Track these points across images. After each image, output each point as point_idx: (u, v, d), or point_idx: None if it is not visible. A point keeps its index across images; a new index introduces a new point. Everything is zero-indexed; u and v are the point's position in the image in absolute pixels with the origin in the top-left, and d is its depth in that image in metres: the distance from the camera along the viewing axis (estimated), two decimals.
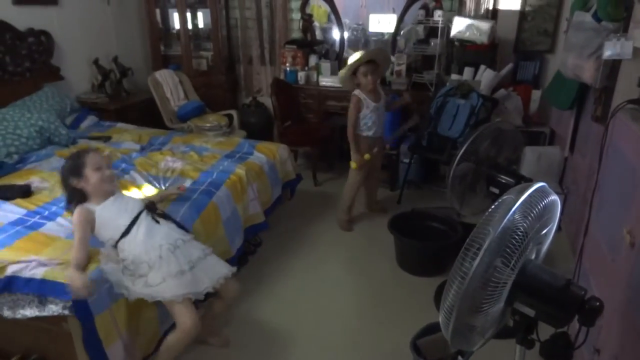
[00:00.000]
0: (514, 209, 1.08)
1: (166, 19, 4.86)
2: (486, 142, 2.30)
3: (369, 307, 2.60)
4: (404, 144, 3.88)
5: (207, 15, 4.62)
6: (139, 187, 2.65)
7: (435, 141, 3.55)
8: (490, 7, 3.88)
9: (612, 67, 2.28)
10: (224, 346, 2.27)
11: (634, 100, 1.82)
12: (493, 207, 1.14)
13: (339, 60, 4.45)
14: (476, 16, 3.90)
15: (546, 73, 3.84)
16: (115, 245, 1.96)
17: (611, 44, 2.02)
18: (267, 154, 3.24)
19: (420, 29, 4.02)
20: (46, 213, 2.32)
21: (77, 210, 1.93)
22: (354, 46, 4.55)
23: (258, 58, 4.73)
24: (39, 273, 1.83)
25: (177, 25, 4.67)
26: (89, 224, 1.93)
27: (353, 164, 3.20)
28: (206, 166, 2.94)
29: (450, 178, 2.27)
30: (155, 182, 2.71)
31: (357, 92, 3.14)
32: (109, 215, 1.96)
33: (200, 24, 4.82)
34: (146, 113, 4.20)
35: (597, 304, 1.10)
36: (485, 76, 3.64)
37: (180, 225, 2.16)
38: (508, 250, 1.08)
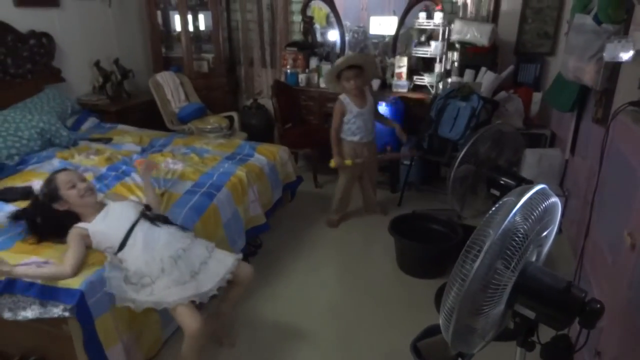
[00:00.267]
0: (514, 211, 1.08)
1: (167, 21, 4.87)
2: (487, 144, 2.30)
3: (369, 309, 2.60)
4: (404, 146, 3.88)
5: (208, 18, 4.64)
6: (140, 189, 2.65)
7: (436, 143, 3.55)
8: (491, 10, 3.89)
9: (613, 70, 2.28)
10: (232, 346, 2.28)
11: (634, 102, 1.82)
12: (493, 209, 1.14)
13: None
14: (477, 19, 3.91)
15: (547, 75, 3.84)
16: (115, 255, 1.96)
17: (612, 46, 2.02)
18: (267, 155, 3.24)
19: (421, 31, 4.03)
20: None
21: (72, 230, 1.94)
22: (355, 48, 4.55)
23: (259, 60, 4.74)
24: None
25: (178, 27, 4.69)
26: (84, 240, 1.93)
27: (332, 162, 3.22)
28: (207, 168, 2.94)
29: (450, 180, 2.27)
30: (155, 184, 2.71)
31: (342, 96, 3.15)
32: (102, 230, 1.95)
33: (202, 26, 4.83)
34: (147, 115, 4.21)
35: (598, 306, 1.10)
36: (486, 78, 3.64)
37: (180, 227, 2.15)
38: (509, 252, 1.08)
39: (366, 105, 3.17)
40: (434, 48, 3.93)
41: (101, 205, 2.09)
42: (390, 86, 4.12)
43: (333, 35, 4.56)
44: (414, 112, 3.99)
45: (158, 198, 2.38)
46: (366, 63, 3.14)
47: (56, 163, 2.95)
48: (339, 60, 3.12)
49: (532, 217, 1.10)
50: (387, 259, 3.01)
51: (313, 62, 4.37)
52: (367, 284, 2.83)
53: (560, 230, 3.15)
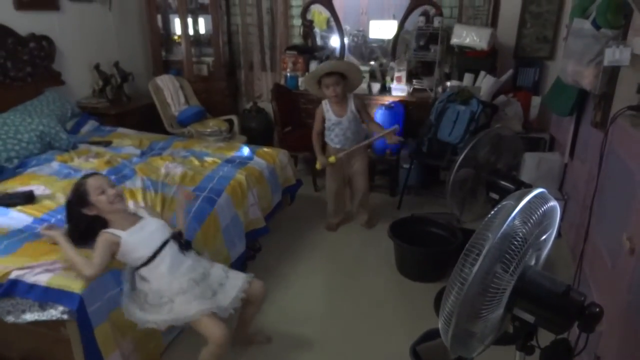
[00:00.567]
0: (513, 214, 1.08)
1: (167, 24, 4.88)
2: (486, 148, 2.31)
3: (368, 312, 2.59)
4: (404, 149, 3.89)
5: (208, 21, 4.65)
6: (142, 192, 2.65)
7: (435, 147, 3.56)
8: (490, 14, 3.90)
9: (612, 74, 2.29)
10: (269, 342, 2.33)
11: (633, 106, 1.83)
12: (492, 212, 1.14)
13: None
14: (476, 23, 3.92)
15: (546, 79, 3.86)
16: (136, 270, 1.95)
17: (611, 50, 2.03)
18: (267, 159, 3.24)
19: (420, 35, 4.04)
20: (53, 220, 2.31)
21: (102, 235, 1.91)
22: (355, 52, 4.56)
23: (259, 64, 4.75)
24: (43, 280, 1.81)
25: (178, 30, 4.70)
26: (112, 248, 1.90)
27: (317, 164, 3.20)
28: (207, 171, 2.93)
29: (450, 184, 2.28)
30: (155, 188, 2.71)
31: (324, 101, 3.11)
32: (135, 242, 1.93)
33: (202, 30, 4.84)
34: (147, 118, 4.21)
35: (597, 310, 1.10)
36: (485, 82, 3.65)
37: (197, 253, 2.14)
38: (507, 256, 1.08)
39: (345, 114, 3.07)
40: (433, 52, 3.93)
41: (132, 214, 2.06)
42: (389, 90, 4.13)
43: (333, 39, 4.57)
44: (414, 116, 4.00)
45: (186, 225, 2.33)
46: (349, 71, 3.03)
47: (55, 166, 2.95)
48: (320, 66, 3.06)
49: (531, 220, 1.10)
50: (386, 262, 3.01)
51: (313, 66, 4.38)
52: (366, 287, 2.82)
53: (559, 234, 3.15)
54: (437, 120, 3.51)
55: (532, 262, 1.20)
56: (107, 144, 3.44)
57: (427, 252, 2.85)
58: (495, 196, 2.20)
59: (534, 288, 1.14)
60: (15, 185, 2.65)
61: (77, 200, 1.94)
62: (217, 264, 2.11)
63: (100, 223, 1.96)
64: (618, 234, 1.67)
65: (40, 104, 3.54)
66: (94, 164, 3.01)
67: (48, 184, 2.69)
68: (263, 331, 2.36)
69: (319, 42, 4.58)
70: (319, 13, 4.56)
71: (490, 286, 1.09)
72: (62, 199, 2.52)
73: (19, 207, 2.40)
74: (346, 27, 4.52)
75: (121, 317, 1.89)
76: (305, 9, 4.38)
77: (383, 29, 4.37)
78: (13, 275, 1.83)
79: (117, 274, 1.94)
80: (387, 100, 3.98)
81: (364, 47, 4.56)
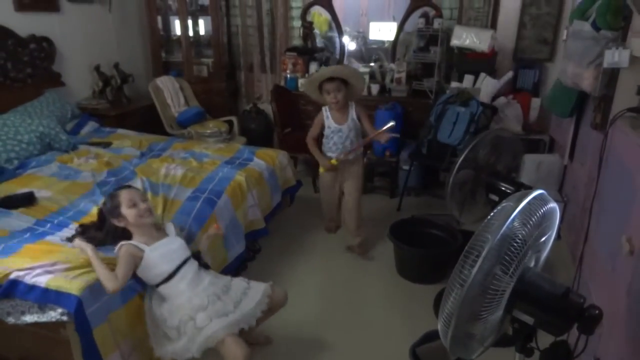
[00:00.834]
0: (512, 216, 1.08)
1: (167, 25, 4.89)
2: (486, 150, 2.31)
3: (368, 314, 2.59)
4: (404, 151, 3.89)
5: (208, 23, 4.65)
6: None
7: (435, 148, 3.56)
8: (490, 16, 3.91)
9: (611, 76, 2.29)
10: (269, 343, 2.34)
11: (633, 108, 1.83)
12: (492, 214, 1.14)
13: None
14: (476, 24, 3.92)
15: (546, 81, 3.86)
16: (156, 287, 1.96)
17: (610, 52, 2.03)
18: (267, 160, 3.24)
19: (420, 36, 4.04)
20: (56, 222, 2.31)
21: (125, 247, 1.92)
22: (354, 54, 4.57)
23: (258, 65, 4.76)
24: (42, 281, 1.81)
25: (178, 32, 4.70)
26: (135, 260, 1.92)
27: (321, 169, 3.03)
28: (206, 173, 2.93)
29: (449, 185, 2.28)
30: (156, 190, 2.71)
31: (324, 108, 2.97)
32: (156, 258, 1.94)
33: (202, 31, 4.85)
34: (147, 119, 4.21)
35: (597, 312, 1.10)
36: (485, 84, 3.65)
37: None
38: (507, 257, 1.08)
39: (346, 122, 2.89)
40: (433, 53, 3.94)
41: (158, 229, 2.09)
42: (389, 91, 4.13)
43: (333, 41, 4.58)
44: (413, 118, 4.00)
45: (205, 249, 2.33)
46: (351, 77, 2.84)
47: (55, 167, 2.96)
48: (320, 70, 2.89)
49: (531, 222, 1.10)
50: (385, 264, 3.01)
51: (313, 67, 4.39)
52: (366, 289, 2.82)
53: (559, 235, 3.14)
54: (437, 121, 3.52)
55: (532, 264, 1.20)
56: (107, 145, 3.44)
57: (426, 253, 2.85)
58: (494, 198, 2.20)
59: (533, 290, 1.14)
60: (16, 187, 2.65)
61: (110, 210, 2.00)
62: (236, 280, 2.10)
63: (126, 235, 2.01)
64: (617, 236, 1.67)
65: (40, 105, 3.54)
66: (94, 165, 3.02)
67: (48, 186, 2.69)
68: (263, 332, 2.36)
69: (318, 43, 4.58)
70: (318, 14, 4.57)
71: (490, 288, 1.09)
72: (62, 201, 2.53)
73: (20, 209, 2.40)
74: (346, 28, 4.53)
75: (120, 318, 1.89)
76: (305, 11, 4.38)
77: (383, 31, 4.38)
78: (13, 276, 1.83)
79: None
80: (386, 101, 3.98)
81: (364, 49, 4.56)
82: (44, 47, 3.75)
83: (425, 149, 3.64)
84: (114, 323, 1.87)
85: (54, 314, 1.76)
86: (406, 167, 3.81)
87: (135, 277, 1.96)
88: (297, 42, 4.58)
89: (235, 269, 2.68)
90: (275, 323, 2.45)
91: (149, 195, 2.63)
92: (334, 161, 2.92)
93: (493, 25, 3.90)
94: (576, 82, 2.56)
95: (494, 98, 3.70)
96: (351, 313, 2.60)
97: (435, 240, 2.97)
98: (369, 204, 3.63)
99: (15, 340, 1.97)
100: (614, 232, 1.78)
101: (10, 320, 1.82)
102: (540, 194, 1.16)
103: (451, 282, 1.11)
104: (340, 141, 2.92)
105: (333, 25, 4.50)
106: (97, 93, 4.20)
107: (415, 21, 4.05)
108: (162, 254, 1.96)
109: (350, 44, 4.60)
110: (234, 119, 4.42)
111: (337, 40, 4.59)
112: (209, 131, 4.09)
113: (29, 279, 1.82)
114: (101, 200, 2.34)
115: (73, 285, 1.79)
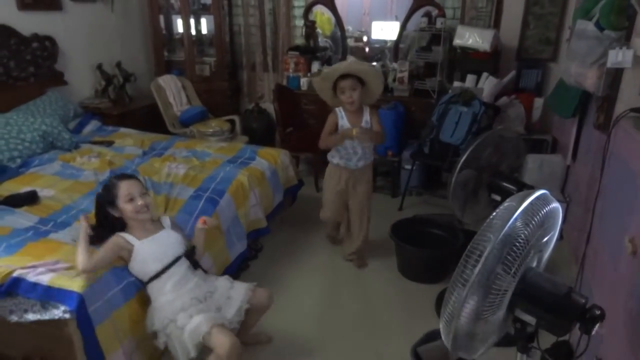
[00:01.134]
0: (515, 216, 1.08)
1: (169, 24, 4.89)
2: (488, 150, 2.30)
3: (369, 313, 2.59)
4: (406, 150, 3.88)
5: (210, 22, 4.66)
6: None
7: (437, 148, 3.55)
8: (493, 15, 3.90)
9: (615, 76, 2.28)
10: (269, 341, 2.32)
11: (636, 108, 1.82)
12: (494, 214, 1.14)
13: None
14: (478, 24, 3.92)
15: (549, 81, 3.85)
16: (145, 285, 1.96)
17: (614, 52, 2.03)
18: (269, 159, 3.24)
19: (422, 36, 4.04)
20: (58, 220, 2.32)
21: (114, 238, 1.92)
22: (356, 53, 4.57)
23: (261, 64, 4.76)
24: (45, 279, 1.82)
25: (180, 30, 4.71)
26: (120, 252, 1.92)
27: (352, 131, 2.56)
28: (208, 172, 2.94)
29: (452, 185, 2.27)
30: (158, 189, 2.71)
31: (338, 109, 2.66)
32: (146, 254, 1.93)
33: (204, 30, 4.85)
34: (149, 118, 4.21)
35: (599, 312, 1.09)
36: (488, 84, 3.65)
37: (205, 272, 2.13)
38: (509, 257, 1.08)
39: (360, 126, 2.63)
40: (435, 53, 3.93)
41: (154, 223, 2.04)
42: (391, 91, 4.12)
43: (335, 40, 4.58)
44: (416, 117, 3.99)
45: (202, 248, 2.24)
46: (368, 75, 2.53)
47: (58, 166, 2.96)
48: (335, 66, 2.57)
49: (533, 222, 1.10)
50: (387, 263, 3.00)
51: (315, 66, 4.39)
52: (367, 288, 2.82)
53: (561, 236, 3.14)
54: (439, 121, 3.51)
55: (534, 264, 1.19)
56: (109, 144, 3.45)
57: (428, 253, 2.85)
58: (497, 198, 2.19)
59: (535, 290, 1.13)
60: (18, 185, 2.66)
61: (106, 199, 1.95)
62: (222, 277, 2.10)
63: (121, 225, 1.98)
64: (620, 236, 1.67)
65: (43, 104, 3.55)
66: (96, 164, 3.02)
67: (51, 184, 2.70)
68: (263, 331, 2.36)
69: (321, 42, 4.58)
70: (321, 14, 4.56)
71: (492, 287, 1.08)
72: (65, 200, 2.54)
73: (24, 208, 2.41)
74: (348, 27, 4.52)
75: (123, 316, 1.90)
76: (308, 10, 4.38)
77: (385, 30, 4.38)
78: (16, 274, 1.84)
79: (119, 273, 1.94)
80: (388, 101, 3.97)
81: (366, 48, 4.56)
82: (46, 46, 3.76)
83: (428, 148, 3.64)
84: (116, 321, 1.88)
85: (56, 312, 1.76)
86: (408, 167, 3.81)
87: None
88: (299, 41, 4.58)
89: (237, 268, 2.69)
90: (277, 321, 2.46)
91: (151, 194, 2.63)
92: (354, 131, 2.55)
93: (496, 25, 3.89)
94: (579, 82, 2.55)
95: (497, 98, 3.69)
96: (353, 312, 2.60)
97: (437, 240, 2.97)
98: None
99: (18, 338, 1.98)
100: (616, 232, 1.78)
101: (13, 318, 1.83)
102: (543, 194, 1.15)
103: (453, 282, 1.10)
104: (351, 146, 2.67)
105: (335, 24, 4.50)
106: (100, 92, 4.21)
107: (418, 20, 4.04)
108: (152, 250, 1.94)
109: (352, 43, 4.60)
110: (236, 118, 4.42)
111: (339, 39, 4.59)
112: (211, 130, 4.09)
113: (32, 277, 1.83)
114: None
115: (75, 283, 1.79)
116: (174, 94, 4.31)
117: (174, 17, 4.82)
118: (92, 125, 3.82)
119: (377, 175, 4.17)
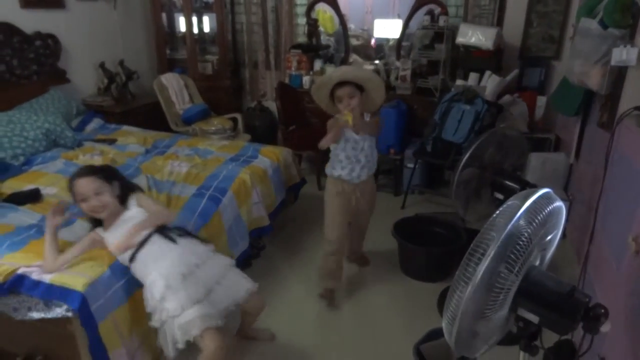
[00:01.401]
0: (518, 214, 1.07)
1: (172, 22, 4.89)
2: (491, 148, 2.30)
3: (371, 311, 2.59)
4: (408, 149, 3.88)
5: (212, 20, 4.66)
6: (147, 191, 2.65)
7: (440, 146, 3.55)
8: (496, 13, 3.88)
9: (618, 74, 2.27)
10: (272, 339, 2.33)
11: None
12: (497, 212, 1.14)
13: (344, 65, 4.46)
14: (481, 22, 3.90)
15: (552, 79, 3.84)
16: (130, 267, 1.95)
17: (618, 50, 2.02)
18: (271, 157, 3.24)
19: (425, 34, 4.02)
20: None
21: (90, 234, 1.96)
22: (359, 51, 4.56)
23: (263, 62, 4.76)
24: (47, 277, 1.82)
25: (182, 29, 4.71)
26: (94, 245, 1.94)
27: (345, 116, 2.28)
28: (211, 170, 2.94)
29: (454, 183, 2.27)
30: (160, 187, 2.71)
31: (338, 115, 2.36)
32: (115, 240, 1.93)
33: (206, 28, 4.85)
34: (151, 116, 4.22)
35: (602, 311, 1.09)
36: (491, 82, 3.64)
37: (201, 240, 2.09)
38: (512, 256, 1.08)
39: (364, 134, 2.43)
40: (438, 51, 3.92)
41: (120, 209, 2.00)
42: (394, 89, 4.12)
43: (337, 38, 4.57)
44: (418, 115, 3.99)
45: (162, 209, 2.11)
46: (366, 82, 2.31)
47: (61, 164, 2.97)
48: (330, 73, 2.37)
49: (536, 221, 1.10)
50: (389, 262, 3.00)
51: (317, 64, 4.38)
52: (370, 286, 2.82)
53: (564, 234, 3.14)
54: (442, 119, 3.50)
55: (537, 263, 1.19)
56: (111, 141, 3.45)
57: (430, 251, 2.85)
58: (500, 196, 2.19)
59: (538, 288, 1.13)
60: (22, 183, 2.67)
61: (72, 194, 1.96)
62: (221, 256, 2.07)
63: (93, 221, 2.00)
64: (623, 235, 1.66)
65: (45, 102, 3.56)
66: (99, 162, 3.02)
67: (53, 182, 2.70)
68: (266, 329, 2.37)
69: (323, 40, 4.57)
70: (323, 12, 4.56)
71: (495, 286, 1.08)
72: (68, 198, 2.53)
73: (27, 205, 2.42)
74: (351, 26, 4.51)
75: (125, 313, 1.90)
76: (310, 8, 4.37)
77: (388, 28, 4.36)
78: (20, 271, 1.85)
79: (119, 272, 1.94)
80: (391, 99, 3.97)
81: (368, 46, 4.55)
82: (49, 44, 3.76)
83: (430, 146, 3.63)
84: (119, 318, 1.88)
85: (59, 310, 1.77)
86: (410, 165, 3.80)
87: None
88: (301, 39, 4.57)
89: (239, 266, 2.68)
90: (278, 320, 2.46)
91: (154, 192, 2.64)
92: (348, 116, 2.28)
93: (499, 23, 3.88)
94: (583, 80, 2.54)
95: (500, 96, 3.68)
96: (355, 310, 2.60)
97: (440, 239, 2.97)
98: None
99: (21, 335, 1.98)
100: (619, 231, 1.77)
101: (17, 316, 1.84)
102: (546, 193, 1.15)
103: (456, 280, 1.10)
104: (354, 154, 2.46)
105: (338, 22, 4.49)
106: (102, 90, 4.22)
107: (421, 18, 4.03)
108: (118, 235, 1.92)
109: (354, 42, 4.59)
110: (238, 116, 4.43)
111: (341, 37, 4.58)
112: (213, 128, 4.09)
113: (35, 275, 1.84)
114: None
115: (77, 281, 1.80)
116: (176, 92, 4.31)
117: (176, 15, 4.82)
118: (95, 123, 3.83)
119: (380, 173, 4.17)
